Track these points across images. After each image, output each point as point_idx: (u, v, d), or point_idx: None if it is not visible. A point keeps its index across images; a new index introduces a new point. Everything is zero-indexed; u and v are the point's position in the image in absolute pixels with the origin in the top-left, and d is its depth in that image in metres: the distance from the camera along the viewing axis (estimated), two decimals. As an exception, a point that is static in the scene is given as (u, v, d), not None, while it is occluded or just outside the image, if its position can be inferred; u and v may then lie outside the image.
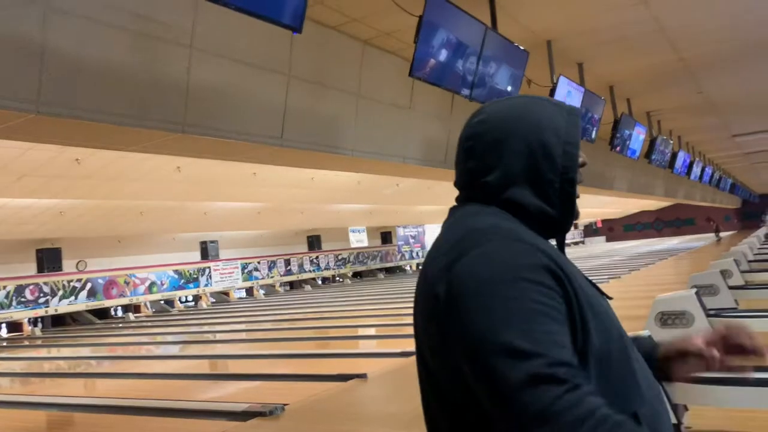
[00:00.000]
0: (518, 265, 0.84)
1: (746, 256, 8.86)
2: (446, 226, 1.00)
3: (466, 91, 4.68)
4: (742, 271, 7.25)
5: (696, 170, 15.45)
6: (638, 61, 7.34)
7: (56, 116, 3.57)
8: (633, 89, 8.61)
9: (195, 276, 17.90)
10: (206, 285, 18.16)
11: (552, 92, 6.29)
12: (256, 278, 19.86)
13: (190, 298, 18.23)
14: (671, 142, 11.81)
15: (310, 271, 21.89)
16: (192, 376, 6.42)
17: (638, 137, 9.33)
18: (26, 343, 12.91)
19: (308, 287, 21.01)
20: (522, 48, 5.20)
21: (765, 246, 13.49)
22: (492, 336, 0.80)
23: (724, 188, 24.54)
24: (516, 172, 0.97)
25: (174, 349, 9.62)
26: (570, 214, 0.99)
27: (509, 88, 5.15)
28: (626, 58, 7.17)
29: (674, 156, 12.12)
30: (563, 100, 5.96)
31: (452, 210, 1.04)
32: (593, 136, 7.56)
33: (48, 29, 3.41)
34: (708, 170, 17.48)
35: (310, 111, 5.16)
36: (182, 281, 17.54)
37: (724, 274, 6.20)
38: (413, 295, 1.00)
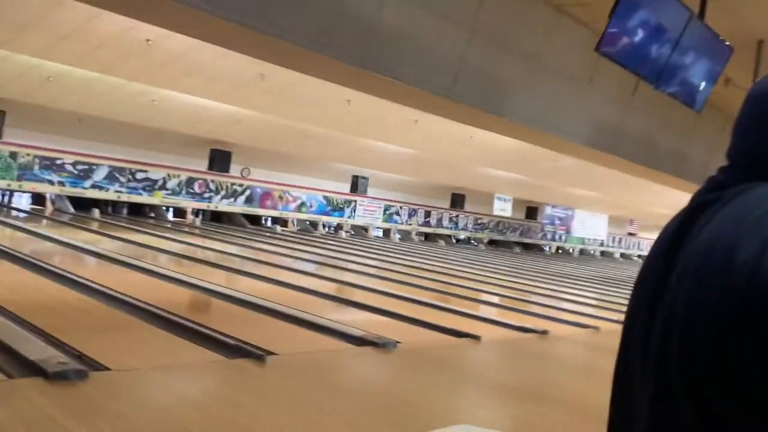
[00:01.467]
0: None
1: None
2: (740, 205, 0.73)
3: (653, 78, 4.42)
4: None
5: None
6: None
7: (251, 28, 3.87)
8: None
9: (341, 206, 18.78)
10: (349, 217, 19.00)
11: (751, 97, 5.73)
12: (396, 222, 20.42)
13: (333, 225, 19.18)
14: None
15: (447, 227, 22.09)
16: (319, 294, 6.85)
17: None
18: (186, 229, 14.37)
19: (442, 243, 21.24)
20: (727, 43, 4.77)
21: None
22: None
23: None
24: None
25: (309, 267, 10.27)
26: None
27: (703, 85, 4.78)
28: None
29: None
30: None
31: (736, 189, 0.76)
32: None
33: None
34: None
35: (485, 68, 5.14)
36: (329, 208, 18.49)
37: None
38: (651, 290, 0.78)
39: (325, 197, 18.44)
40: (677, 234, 0.79)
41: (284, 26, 3.89)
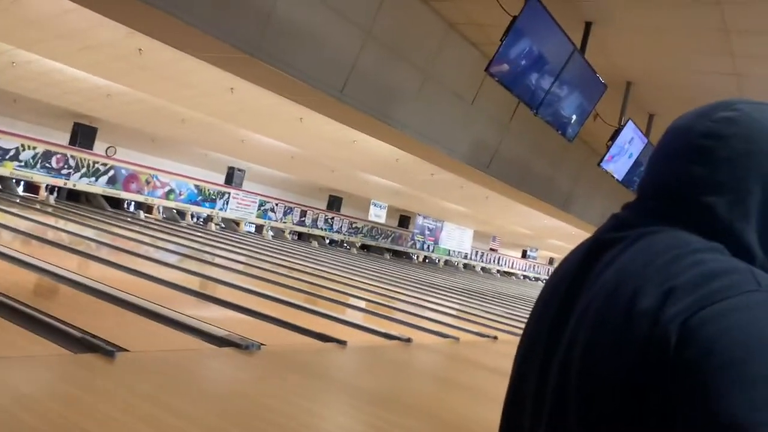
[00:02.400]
0: None
1: None
2: (646, 249, 0.71)
3: (534, 104, 4.63)
4: None
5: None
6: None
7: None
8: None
9: (214, 197, 18.08)
10: (221, 209, 18.34)
11: (615, 134, 6.19)
12: (270, 218, 20.01)
13: (203, 216, 18.44)
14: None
15: (322, 229, 22.00)
16: (181, 288, 6.49)
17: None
18: (38, 206, 13.18)
19: (315, 243, 21.13)
20: (602, 81, 5.11)
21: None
22: (747, 418, 0.55)
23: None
24: (752, 206, 0.69)
25: (172, 259, 9.75)
26: None
27: (576, 116, 5.08)
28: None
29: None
30: (624, 146, 5.85)
31: (642, 230, 0.74)
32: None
33: None
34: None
35: (376, 75, 5.13)
36: (200, 198, 17.73)
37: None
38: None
39: (196, 186, 17.67)
40: (579, 270, 0.78)
41: (172, 0, 3.63)
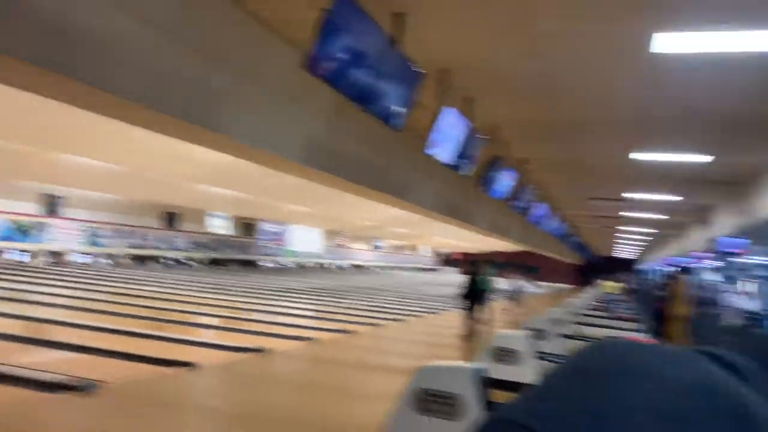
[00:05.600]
0: None
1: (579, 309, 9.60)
2: None
3: (358, 98, 4.66)
4: (574, 322, 7.86)
5: (550, 223, 16.72)
6: (524, 110, 7.73)
7: None
8: (512, 134, 9.03)
9: (30, 230, 16.38)
10: (43, 242, 16.68)
11: (436, 120, 6.45)
12: (102, 245, 18.57)
13: (23, 252, 16.63)
14: (534, 191, 12.58)
15: (162, 248, 20.86)
16: (3, 336, 5.80)
17: (506, 181, 9.83)
18: None
19: (157, 265, 19.98)
20: (419, 70, 5.27)
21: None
22: None
23: (571, 245, 26.73)
24: None
25: (-12, 304, 8.68)
26: None
27: (397, 108, 5.19)
28: (514, 104, 7.53)
29: (532, 205, 13.01)
30: (448, 131, 6.07)
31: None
32: (467, 171, 7.84)
33: None
34: (561, 225, 18.97)
35: (193, 81, 4.88)
36: (16, 232, 15.98)
37: (556, 322, 6.68)
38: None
39: (12, 220, 15.88)
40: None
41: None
